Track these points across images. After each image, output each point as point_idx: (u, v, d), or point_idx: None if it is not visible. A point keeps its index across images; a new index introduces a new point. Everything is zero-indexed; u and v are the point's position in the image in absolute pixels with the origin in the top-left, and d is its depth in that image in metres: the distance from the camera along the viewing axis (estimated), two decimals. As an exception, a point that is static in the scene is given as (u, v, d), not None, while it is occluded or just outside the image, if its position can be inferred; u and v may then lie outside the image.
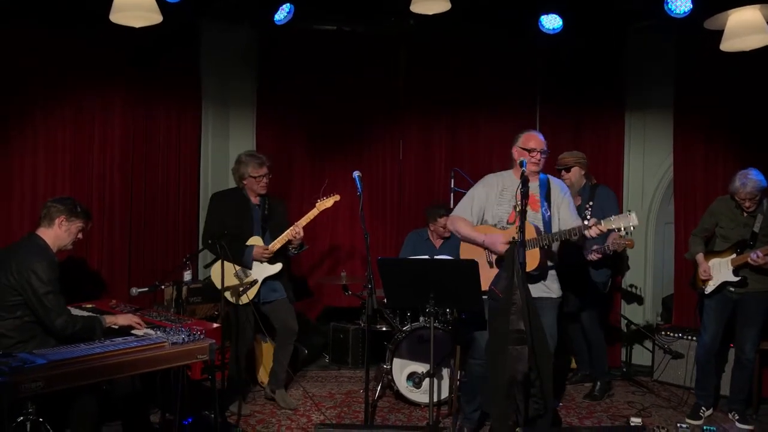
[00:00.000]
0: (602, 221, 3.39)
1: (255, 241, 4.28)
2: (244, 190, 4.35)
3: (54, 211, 3.44)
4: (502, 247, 3.54)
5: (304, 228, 4.25)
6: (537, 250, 3.52)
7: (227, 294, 4.18)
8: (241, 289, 4.21)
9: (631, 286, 5.70)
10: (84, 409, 3.10)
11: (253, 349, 4.78)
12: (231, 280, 4.19)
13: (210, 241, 4.03)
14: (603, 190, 4.78)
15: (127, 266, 4.81)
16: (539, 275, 3.62)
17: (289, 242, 4.25)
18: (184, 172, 5.33)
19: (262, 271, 4.27)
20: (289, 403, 4.45)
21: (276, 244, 4.23)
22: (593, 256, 4.47)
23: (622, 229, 3.33)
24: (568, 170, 4.74)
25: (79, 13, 4.29)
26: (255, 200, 4.36)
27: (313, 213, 4.26)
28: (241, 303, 4.21)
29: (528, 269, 3.47)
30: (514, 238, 3.36)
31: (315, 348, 5.67)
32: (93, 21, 4.08)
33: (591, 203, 4.67)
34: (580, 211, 4.70)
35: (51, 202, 3.49)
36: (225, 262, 3.96)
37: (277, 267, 4.28)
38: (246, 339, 4.36)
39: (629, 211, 3.33)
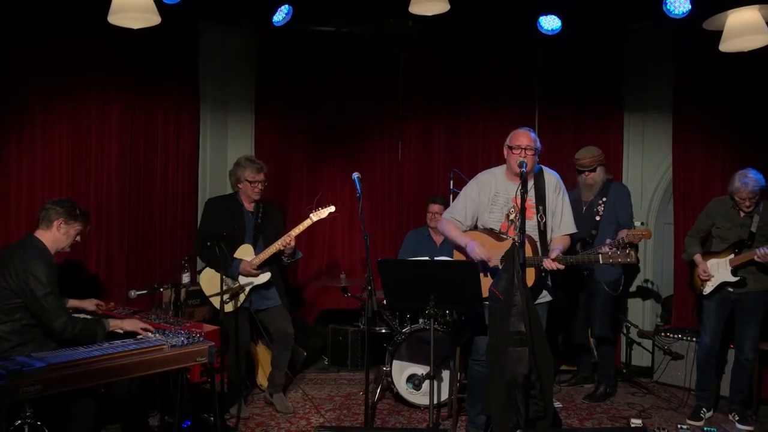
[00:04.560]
0: (600, 255, 3.43)
1: (245, 249, 4.25)
2: (238, 195, 4.34)
3: (53, 213, 3.42)
4: (479, 258, 3.50)
5: (299, 234, 4.22)
6: (533, 268, 3.48)
7: (215, 301, 4.17)
8: (227, 297, 4.14)
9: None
10: (83, 412, 3.09)
11: (250, 352, 4.77)
12: (217, 287, 4.16)
13: (209, 243, 4.00)
14: (616, 187, 4.79)
15: (125, 269, 4.79)
16: (536, 289, 3.56)
17: (281, 251, 4.21)
18: (182, 173, 5.32)
19: (249, 280, 4.24)
20: (287, 407, 4.43)
21: (262, 256, 4.20)
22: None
23: (618, 261, 3.39)
24: (593, 170, 4.71)
25: (77, 13, 4.28)
26: (249, 207, 4.34)
27: (306, 223, 4.21)
28: (227, 310, 4.14)
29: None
30: (502, 259, 3.39)
31: (314, 350, 5.65)
32: (91, 22, 4.07)
33: (604, 199, 4.67)
34: (593, 207, 4.70)
35: (50, 205, 3.47)
36: (215, 268, 3.96)
37: (266, 277, 4.24)
38: (242, 343, 4.34)
39: (630, 247, 3.37)
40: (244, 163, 4.29)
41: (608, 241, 4.41)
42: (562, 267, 3.42)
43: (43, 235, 3.41)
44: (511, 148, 3.62)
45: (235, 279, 4.23)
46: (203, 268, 4.36)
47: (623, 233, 4.57)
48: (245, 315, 4.29)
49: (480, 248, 3.54)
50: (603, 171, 4.75)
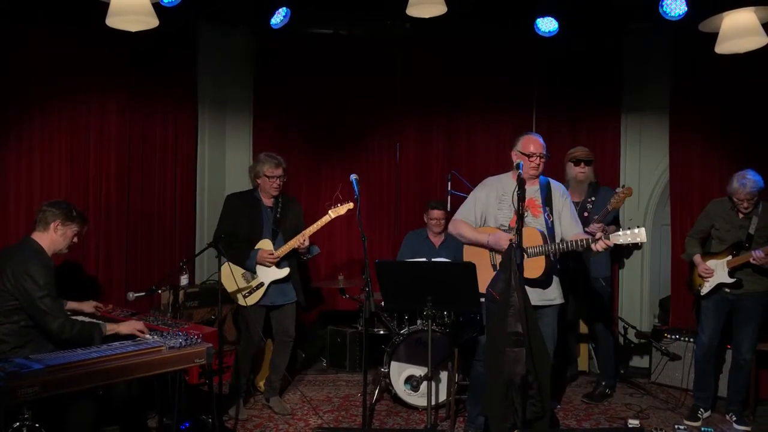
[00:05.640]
0: (610, 236, 3.37)
1: (264, 244, 4.27)
2: (257, 191, 4.36)
3: (49, 215, 3.42)
4: (507, 243, 3.51)
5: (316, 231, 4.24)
6: (543, 257, 3.51)
7: (232, 296, 4.20)
8: (246, 291, 4.22)
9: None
10: (81, 413, 3.10)
11: (263, 351, 4.76)
12: (239, 282, 4.21)
13: (207, 244, 4.02)
14: (605, 190, 4.79)
15: (123, 270, 4.79)
16: (544, 281, 3.60)
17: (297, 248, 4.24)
18: (181, 175, 5.32)
19: (268, 274, 4.26)
20: (285, 408, 4.44)
21: (283, 250, 4.22)
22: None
23: (630, 244, 3.34)
24: (589, 164, 4.73)
25: (77, 13, 4.28)
26: (268, 202, 4.36)
27: (325, 220, 4.23)
28: (246, 304, 4.21)
29: (534, 276, 3.48)
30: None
31: (312, 352, 5.66)
32: (90, 22, 4.07)
33: (593, 198, 4.68)
34: (583, 206, 4.71)
35: (46, 206, 3.48)
36: (232, 264, 4.00)
37: (284, 272, 4.27)
38: (254, 341, 4.33)
39: (638, 226, 3.32)
40: (263, 159, 4.33)
41: (596, 217, 4.40)
42: (611, 244, 3.37)
43: (40, 237, 3.42)
44: (528, 156, 3.66)
45: (253, 271, 4.24)
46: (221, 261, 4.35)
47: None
48: (262, 313, 4.30)
49: (503, 234, 3.59)
50: (592, 170, 4.78)
